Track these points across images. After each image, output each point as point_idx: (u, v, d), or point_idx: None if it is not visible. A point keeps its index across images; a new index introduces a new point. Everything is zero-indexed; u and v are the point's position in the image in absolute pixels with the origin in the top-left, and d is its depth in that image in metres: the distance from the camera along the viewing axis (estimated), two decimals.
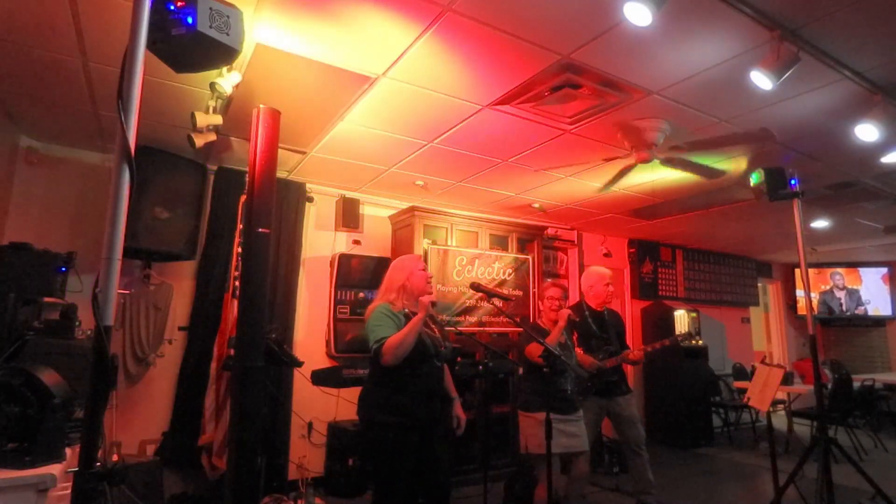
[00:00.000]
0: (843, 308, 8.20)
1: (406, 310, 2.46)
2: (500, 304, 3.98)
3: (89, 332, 2.83)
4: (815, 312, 8.23)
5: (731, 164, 3.80)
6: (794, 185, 3.03)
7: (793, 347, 8.37)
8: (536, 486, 2.93)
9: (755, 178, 3.16)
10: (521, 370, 4.15)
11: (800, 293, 8.28)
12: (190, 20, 1.33)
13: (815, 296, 8.27)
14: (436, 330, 2.56)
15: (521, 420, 3.01)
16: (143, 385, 3.67)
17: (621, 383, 3.55)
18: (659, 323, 6.29)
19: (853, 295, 8.20)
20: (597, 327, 3.54)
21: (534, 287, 4.94)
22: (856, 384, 5.59)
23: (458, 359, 4.19)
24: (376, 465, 2.33)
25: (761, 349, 8.37)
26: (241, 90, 2.65)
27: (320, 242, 4.58)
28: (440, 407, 2.48)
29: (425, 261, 4.29)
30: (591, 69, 2.54)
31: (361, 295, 4.47)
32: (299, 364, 3.41)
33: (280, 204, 4.16)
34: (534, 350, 2.85)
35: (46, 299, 2.74)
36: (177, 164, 3.58)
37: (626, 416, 3.49)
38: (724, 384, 6.77)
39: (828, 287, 8.28)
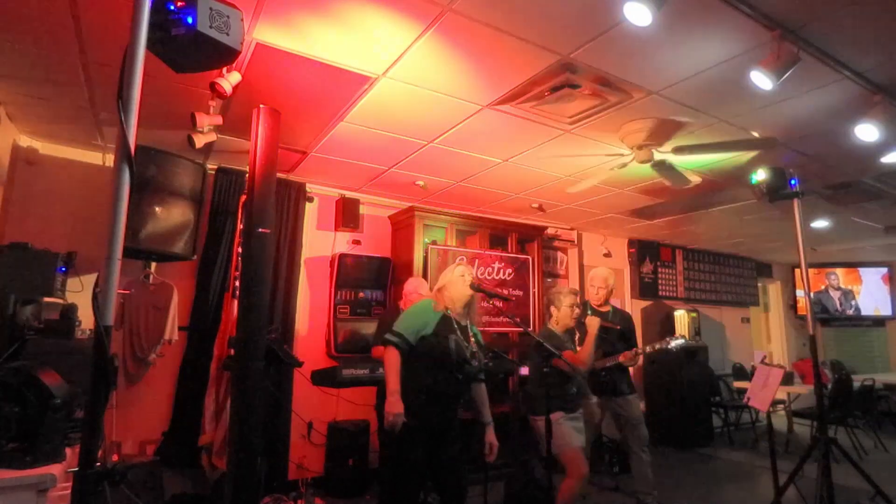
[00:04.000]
0: (840, 308, 8.21)
1: (446, 310, 2.49)
2: (500, 304, 3.98)
3: (89, 332, 2.83)
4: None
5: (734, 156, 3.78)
6: (794, 185, 3.03)
7: (793, 347, 8.38)
8: (564, 481, 2.93)
9: (758, 178, 3.14)
10: (522, 371, 4.14)
11: (800, 293, 8.28)
12: (190, 20, 1.32)
13: (812, 295, 8.29)
14: (472, 342, 2.50)
15: (538, 424, 2.92)
16: (143, 385, 3.67)
17: (621, 384, 3.54)
18: (659, 323, 6.30)
19: (848, 295, 8.21)
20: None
21: (534, 287, 4.94)
22: (856, 384, 5.60)
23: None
24: (384, 463, 2.33)
25: (761, 349, 8.36)
26: (241, 90, 2.65)
27: (320, 242, 4.58)
28: (455, 414, 2.46)
29: (426, 259, 4.29)
30: (591, 69, 2.54)
31: (361, 295, 4.48)
32: (299, 364, 3.41)
33: (280, 204, 4.16)
34: (569, 356, 2.93)
35: (46, 299, 2.74)
36: (177, 164, 3.57)
37: (627, 417, 3.50)
38: (724, 384, 6.78)
39: (823, 287, 8.29)
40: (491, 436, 2.59)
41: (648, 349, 3.52)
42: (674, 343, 3.47)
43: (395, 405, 2.23)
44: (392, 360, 2.33)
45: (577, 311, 3.11)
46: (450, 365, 2.38)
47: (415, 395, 2.32)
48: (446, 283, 2.54)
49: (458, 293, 2.51)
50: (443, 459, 2.37)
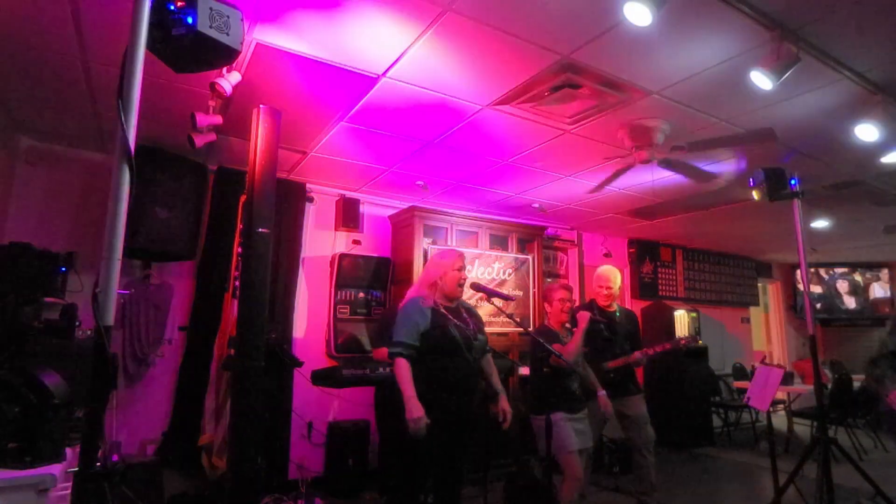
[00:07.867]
0: (846, 306, 8.20)
1: (437, 304, 2.48)
2: (501, 304, 3.97)
3: (89, 332, 2.82)
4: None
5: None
6: (794, 185, 3.03)
7: (793, 347, 8.37)
8: (563, 485, 2.92)
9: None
10: (522, 371, 4.12)
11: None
12: (190, 20, 1.33)
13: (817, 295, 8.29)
14: (470, 322, 2.54)
15: (537, 424, 2.93)
16: (143, 385, 3.67)
17: (629, 383, 3.54)
18: (659, 323, 6.29)
19: (859, 289, 8.20)
20: (605, 327, 3.50)
21: (534, 287, 4.94)
22: (856, 384, 5.59)
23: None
24: (398, 457, 2.33)
25: (761, 349, 8.36)
26: (241, 90, 2.65)
27: (320, 242, 4.58)
28: (471, 401, 2.46)
29: (426, 259, 4.29)
30: (591, 69, 2.54)
31: (361, 295, 4.48)
32: (299, 364, 3.42)
33: (280, 204, 4.15)
34: (557, 348, 2.89)
35: (46, 299, 2.74)
36: (177, 164, 3.57)
37: (633, 417, 3.49)
38: (724, 384, 6.77)
39: (826, 287, 8.29)
40: (504, 403, 2.60)
41: (660, 348, 3.51)
42: (682, 342, 3.48)
43: (414, 410, 2.22)
44: (403, 370, 2.33)
45: (568, 305, 3.10)
46: (458, 350, 2.40)
47: (430, 387, 2.33)
48: (438, 279, 2.53)
49: (450, 290, 2.52)
50: (451, 456, 2.38)
